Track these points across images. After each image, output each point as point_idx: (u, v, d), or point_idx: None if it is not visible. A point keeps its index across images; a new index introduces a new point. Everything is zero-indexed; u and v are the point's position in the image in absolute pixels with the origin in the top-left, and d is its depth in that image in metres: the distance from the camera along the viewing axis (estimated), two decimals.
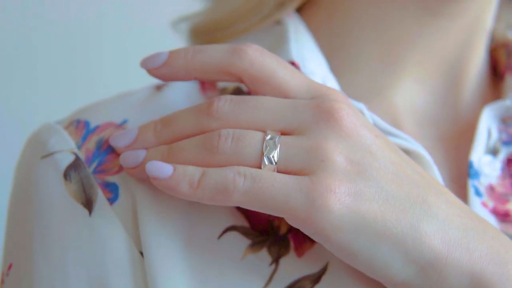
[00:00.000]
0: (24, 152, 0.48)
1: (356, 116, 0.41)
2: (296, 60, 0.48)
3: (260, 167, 0.40)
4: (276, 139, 0.40)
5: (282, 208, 0.39)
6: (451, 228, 0.39)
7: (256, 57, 0.42)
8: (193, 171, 0.40)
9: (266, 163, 0.40)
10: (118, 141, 0.44)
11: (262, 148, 0.40)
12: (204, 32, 0.57)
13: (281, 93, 0.42)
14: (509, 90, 0.54)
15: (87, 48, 1.07)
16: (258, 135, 0.40)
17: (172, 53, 0.44)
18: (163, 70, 0.44)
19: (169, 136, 0.43)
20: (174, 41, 0.60)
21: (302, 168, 0.39)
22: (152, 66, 0.44)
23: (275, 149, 0.40)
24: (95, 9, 1.06)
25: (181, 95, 0.48)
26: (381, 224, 0.38)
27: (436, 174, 0.46)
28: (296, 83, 0.43)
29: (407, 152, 0.47)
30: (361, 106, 0.47)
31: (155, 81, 0.51)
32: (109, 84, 1.01)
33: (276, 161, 0.40)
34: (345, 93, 0.49)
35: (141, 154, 0.43)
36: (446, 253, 0.39)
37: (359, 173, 0.39)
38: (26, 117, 1.00)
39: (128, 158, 0.43)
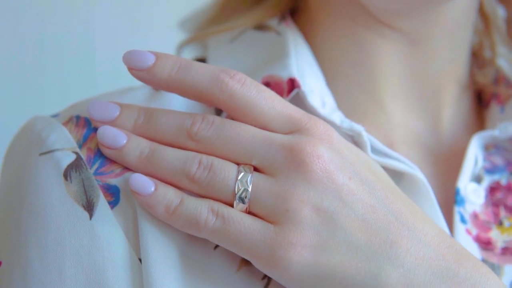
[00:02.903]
0: (18, 145, 0.47)
1: (330, 158, 0.41)
2: (297, 76, 0.48)
3: (232, 204, 0.41)
4: (248, 179, 0.41)
5: (245, 253, 0.41)
6: (417, 274, 0.40)
7: (236, 89, 0.43)
8: (172, 197, 0.41)
9: (238, 202, 0.41)
10: (96, 111, 0.44)
11: (235, 187, 0.41)
12: (201, 26, 0.57)
13: (259, 125, 0.43)
14: (494, 119, 0.55)
15: (79, 46, 1.05)
16: (233, 171, 0.42)
17: (158, 61, 0.44)
18: (144, 75, 0.44)
19: (147, 133, 0.44)
20: (170, 39, 0.60)
21: (269, 213, 0.41)
22: (135, 67, 0.44)
23: (247, 190, 0.41)
24: (87, 7, 1.05)
25: (179, 97, 0.48)
26: (340, 275, 0.40)
27: (431, 196, 0.47)
28: (275, 116, 0.43)
29: (402, 175, 0.47)
30: (360, 128, 0.47)
31: None
32: (101, 80, 1.00)
33: (247, 201, 0.41)
34: (342, 111, 0.49)
35: (121, 139, 0.43)
36: None
37: (325, 221, 0.40)
38: (16, 116, 0.99)
39: (107, 136, 0.43)
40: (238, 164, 0.42)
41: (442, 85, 0.53)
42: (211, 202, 0.41)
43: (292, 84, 0.48)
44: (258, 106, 0.43)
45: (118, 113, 0.44)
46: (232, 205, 0.41)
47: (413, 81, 0.52)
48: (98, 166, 0.44)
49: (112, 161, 0.44)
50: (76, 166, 0.43)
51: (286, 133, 0.43)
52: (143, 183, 0.42)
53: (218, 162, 0.42)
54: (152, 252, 0.42)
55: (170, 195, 0.41)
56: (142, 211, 0.42)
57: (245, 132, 0.42)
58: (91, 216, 0.42)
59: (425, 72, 0.52)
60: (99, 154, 0.44)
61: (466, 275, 0.41)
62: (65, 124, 0.45)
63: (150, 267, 0.41)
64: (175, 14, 0.69)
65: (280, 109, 0.43)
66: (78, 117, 0.45)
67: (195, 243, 0.43)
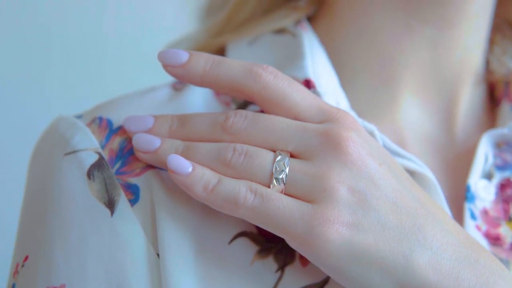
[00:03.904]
0: (42, 146, 0.49)
1: (362, 144, 0.43)
2: (312, 78, 0.50)
3: (268, 186, 0.42)
4: (286, 161, 0.42)
5: (282, 230, 0.42)
6: (443, 257, 0.42)
7: (270, 80, 0.44)
8: (210, 176, 0.42)
9: (275, 183, 0.42)
10: (132, 125, 0.46)
11: (272, 169, 0.42)
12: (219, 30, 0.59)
13: (292, 116, 0.45)
14: (505, 117, 0.57)
15: (88, 46, 1.07)
16: (270, 155, 0.43)
17: (192, 57, 0.45)
18: (179, 71, 0.45)
19: (183, 136, 0.45)
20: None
21: (306, 193, 0.42)
22: (170, 63, 0.46)
23: (284, 171, 0.42)
24: (96, 7, 1.07)
25: (198, 98, 0.50)
26: (374, 254, 0.41)
27: (440, 196, 0.49)
28: (306, 106, 0.45)
29: (412, 173, 0.49)
30: (373, 127, 0.49)
31: (161, 77, 0.52)
32: (110, 82, 1.02)
33: (284, 182, 0.42)
34: (355, 111, 0.51)
35: (156, 142, 0.45)
36: (436, 282, 0.41)
37: (360, 202, 0.42)
38: (28, 116, 1.01)
39: (142, 141, 0.45)
40: (273, 151, 0.44)
41: (459, 78, 0.55)
42: (249, 182, 0.42)
43: (308, 84, 0.49)
44: (291, 96, 0.45)
45: (152, 123, 0.46)
46: (268, 187, 0.42)
47: (434, 74, 0.54)
48: (119, 166, 0.46)
49: (132, 161, 0.46)
50: (98, 166, 0.46)
51: (318, 123, 0.45)
52: (181, 162, 0.43)
53: (253, 148, 0.43)
54: (169, 247, 0.44)
55: (208, 175, 0.43)
56: (160, 208, 0.45)
57: (279, 122, 0.44)
58: (112, 213, 0.44)
59: (447, 61, 0.54)
60: (121, 154, 0.46)
61: (485, 263, 0.43)
62: (89, 125, 0.47)
63: (167, 261, 0.43)
64: (186, 15, 0.71)
65: (311, 100, 0.45)
66: (101, 119, 0.48)
67: (210, 238, 0.45)
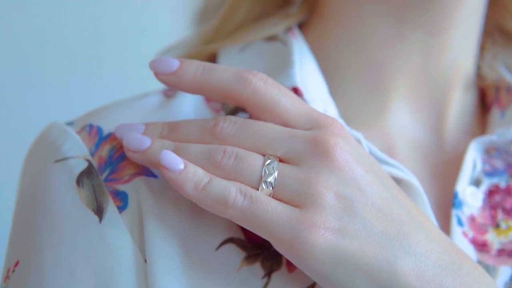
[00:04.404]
0: (34, 152, 0.50)
1: (349, 151, 0.44)
2: (300, 86, 0.50)
3: (257, 189, 0.43)
4: (275, 165, 0.43)
5: (270, 233, 0.42)
6: (427, 264, 0.42)
7: (260, 86, 0.45)
8: (201, 175, 0.43)
9: (264, 187, 0.43)
10: (123, 132, 0.46)
11: (262, 172, 0.43)
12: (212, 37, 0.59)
13: (281, 122, 0.45)
14: (495, 123, 0.57)
15: (85, 49, 1.07)
16: (259, 159, 0.43)
17: (183, 65, 0.46)
18: (171, 78, 0.46)
19: (173, 140, 0.45)
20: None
21: (294, 198, 0.42)
22: (161, 71, 0.46)
23: (273, 175, 0.43)
24: (93, 10, 1.07)
25: (189, 104, 0.51)
26: (359, 260, 0.42)
27: (426, 204, 0.49)
28: (295, 113, 0.45)
29: (399, 181, 0.50)
30: (359, 135, 0.49)
31: (155, 82, 0.53)
32: (107, 85, 1.03)
33: (273, 186, 0.43)
34: (343, 119, 0.52)
35: (146, 141, 0.45)
36: None
37: (346, 208, 0.42)
38: (24, 119, 1.02)
39: (133, 141, 0.45)
40: (263, 155, 0.44)
41: (450, 83, 0.55)
42: (239, 183, 0.43)
43: (296, 92, 0.50)
44: (280, 103, 0.45)
45: (143, 130, 0.46)
46: (257, 190, 0.43)
47: (425, 80, 0.54)
48: (108, 173, 0.46)
49: (121, 168, 0.47)
50: (88, 173, 0.46)
51: (306, 129, 0.45)
52: (173, 159, 0.43)
53: (243, 151, 0.44)
54: (156, 253, 0.44)
55: (199, 173, 0.43)
56: (147, 215, 0.45)
57: (268, 128, 0.45)
58: (100, 220, 0.45)
59: (438, 67, 0.54)
60: (110, 161, 0.47)
61: (468, 270, 0.43)
62: (79, 132, 0.48)
63: (154, 267, 0.44)
64: (182, 20, 0.71)
65: (300, 107, 0.46)
66: (91, 126, 0.48)
67: (198, 245, 0.45)
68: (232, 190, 0.42)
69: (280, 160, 0.44)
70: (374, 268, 0.42)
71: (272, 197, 0.43)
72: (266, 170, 0.43)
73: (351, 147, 0.44)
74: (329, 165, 0.43)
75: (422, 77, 0.54)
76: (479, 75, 0.59)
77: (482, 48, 0.60)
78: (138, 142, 0.45)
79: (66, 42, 1.07)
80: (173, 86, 0.46)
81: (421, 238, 0.43)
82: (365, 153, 0.46)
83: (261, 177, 0.43)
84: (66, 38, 1.07)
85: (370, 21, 0.53)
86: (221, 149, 0.44)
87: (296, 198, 0.42)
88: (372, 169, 0.45)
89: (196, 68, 0.46)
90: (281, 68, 0.52)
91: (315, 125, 0.45)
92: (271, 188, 0.43)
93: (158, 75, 0.46)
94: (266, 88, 0.45)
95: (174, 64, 0.46)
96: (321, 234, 0.41)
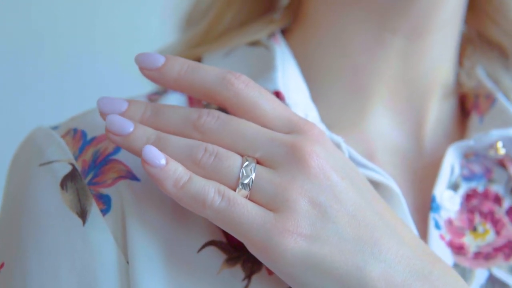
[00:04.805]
0: (20, 155, 0.51)
1: (326, 157, 0.45)
2: (282, 90, 0.51)
3: (234, 190, 0.44)
4: (253, 167, 0.44)
5: (243, 235, 0.43)
6: (397, 270, 0.43)
7: (241, 88, 0.46)
8: (181, 173, 0.44)
9: (241, 188, 0.44)
10: (106, 106, 0.46)
11: (240, 174, 0.44)
12: (197, 42, 0.60)
13: (261, 124, 0.46)
14: (474, 129, 0.58)
15: (79, 50, 1.07)
16: (238, 160, 0.44)
17: (168, 61, 0.47)
18: (155, 74, 0.47)
19: (154, 125, 0.46)
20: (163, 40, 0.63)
21: (269, 202, 0.43)
22: (146, 66, 0.47)
23: (251, 177, 0.44)
24: (87, 10, 1.08)
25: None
26: (329, 264, 0.43)
27: (404, 207, 0.50)
28: (276, 116, 0.46)
29: (377, 184, 0.51)
30: (339, 139, 0.50)
31: (148, 86, 0.54)
32: (100, 86, 1.03)
33: (250, 188, 0.44)
34: (324, 124, 0.53)
35: (129, 126, 0.45)
36: None
37: (319, 214, 0.43)
38: (17, 120, 1.02)
39: (116, 123, 0.45)
40: (242, 155, 0.45)
41: (429, 88, 0.56)
42: (217, 184, 0.44)
43: (278, 96, 0.51)
44: (261, 105, 0.46)
45: (126, 107, 0.46)
46: (234, 190, 0.44)
47: (404, 84, 0.55)
48: (92, 176, 0.47)
49: (104, 172, 0.48)
50: (71, 176, 0.47)
51: (285, 133, 0.46)
52: (155, 154, 0.43)
53: (223, 151, 0.44)
54: (138, 255, 0.45)
55: (180, 171, 0.44)
56: (130, 218, 0.46)
57: (250, 127, 0.45)
58: (84, 222, 0.46)
59: (417, 71, 0.55)
60: (93, 165, 0.48)
61: (439, 275, 0.44)
62: (63, 136, 0.49)
63: (136, 269, 0.45)
64: (170, 26, 0.71)
65: (280, 111, 0.47)
66: (75, 130, 0.49)
67: (179, 247, 0.46)
68: (210, 190, 0.43)
69: (258, 162, 0.45)
70: (344, 273, 0.43)
71: (249, 198, 0.44)
72: (244, 171, 0.44)
73: (328, 154, 0.45)
74: (305, 171, 0.44)
75: (402, 82, 0.55)
76: (458, 82, 0.60)
77: (462, 56, 0.61)
78: (121, 125, 0.45)
79: (60, 44, 1.07)
80: (156, 81, 0.47)
81: (392, 244, 0.44)
82: (342, 159, 0.47)
83: (239, 178, 0.44)
84: (61, 40, 1.07)
85: (350, 27, 0.54)
86: (202, 147, 0.44)
87: (271, 202, 0.43)
88: (348, 176, 0.45)
89: (181, 66, 0.47)
90: (263, 72, 0.53)
91: (294, 129, 0.46)
92: (248, 190, 0.44)
93: (142, 69, 0.47)
94: (248, 91, 0.46)
95: (159, 60, 0.47)
96: (293, 239, 0.42)
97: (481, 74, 0.60)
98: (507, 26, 0.59)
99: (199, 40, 0.59)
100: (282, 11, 0.60)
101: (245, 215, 0.43)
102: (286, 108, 0.47)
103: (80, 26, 1.08)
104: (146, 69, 0.47)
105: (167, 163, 0.43)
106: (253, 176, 0.44)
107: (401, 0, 0.53)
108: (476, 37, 0.62)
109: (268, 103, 0.46)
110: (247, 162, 0.44)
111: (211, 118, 0.45)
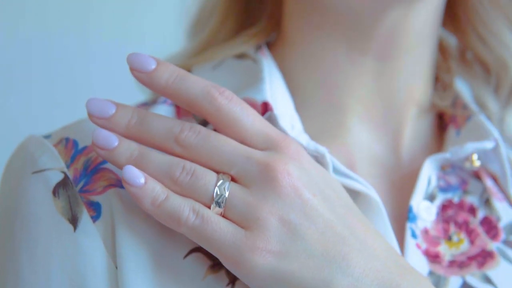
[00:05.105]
0: (13, 163, 0.53)
1: (298, 176, 0.47)
2: (270, 101, 0.53)
3: (209, 206, 0.46)
4: (226, 186, 0.46)
5: (216, 251, 0.46)
6: (364, 283, 0.45)
7: (224, 104, 0.48)
8: (159, 192, 0.46)
9: (215, 206, 0.46)
10: (94, 108, 0.48)
11: (214, 192, 0.46)
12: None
13: (240, 139, 0.48)
14: (451, 141, 0.60)
15: (72, 58, 1.08)
16: (213, 178, 0.47)
17: (158, 67, 0.48)
18: (144, 77, 0.48)
19: (138, 134, 0.48)
20: (162, 49, 0.65)
21: (241, 219, 0.46)
22: (136, 68, 0.48)
23: (224, 196, 0.46)
24: (81, 17, 1.08)
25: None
26: (297, 280, 0.45)
27: (384, 215, 0.53)
28: (254, 132, 0.48)
29: (359, 194, 0.53)
30: (324, 150, 0.52)
31: (140, 95, 0.55)
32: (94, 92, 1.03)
33: (223, 206, 0.46)
34: (308, 134, 0.55)
35: (113, 141, 0.47)
36: None
37: (289, 232, 0.46)
38: (11, 126, 1.03)
39: (101, 138, 0.47)
40: (217, 172, 0.47)
41: (404, 104, 0.59)
42: (193, 202, 0.46)
43: (266, 107, 0.53)
44: (241, 121, 0.48)
45: (114, 111, 0.48)
46: (209, 208, 0.46)
47: (380, 100, 0.58)
48: (83, 184, 0.49)
49: (95, 180, 0.49)
50: (63, 184, 0.49)
51: (262, 149, 0.48)
52: (134, 174, 0.46)
53: (200, 169, 0.47)
54: (126, 261, 0.47)
55: (158, 190, 0.46)
56: (119, 224, 0.48)
57: (227, 144, 0.48)
58: (75, 228, 0.48)
59: (390, 90, 0.58)
60: (84, 173, 0.50)
61: (408, 286, 0.46)
62: (56, 145, 0.51)
63: (124, 273, 0.47)
64: (167, 25, 0.73)
65: (259, 127, 0.49)
66: (67, 139, 0.51)
67: (166, 253, 0.48)
68: (185, 209, 0.46)
69: (233, 179, 0.47)
70: (311, 287, 0.45)
71: (223, 215, 0.46)
72: (218, 190, 0.46)
73: (302, 171, 0.47)
74: (276, 191, 0.46)
75: (376, 99, 0.58)
76: (433, 103, 0.62)
77: (443, 69, 0.63)
78: (106, 140, 0.47)
79: (53, 48, 1.08)
80: (144, 84, 0.49)
81: (361, 258, 0.46)
82: (318, 175, 0.49)
83: (213, 197, 0.46)
84: (53, 44, 1.08)
85: (322, 45, 0.57)
86: (180, 165, 0.47)
87: (244, 220, 0.46)
88: (321, 192, 0.48)
89: (170, 74, 0.48)
90: (252, 83, 0.55)
91: (271, 146, 0.48)
92: (222, 208, 0.46)
93: (132, 70, 0.48)
94: (230, 106, 0.48)
95: (151, 63, 0.48)
96: (263, 256, 0.45)
97: (465, 92, 0.63)
98: (492, 41, 0.61)
99: (202, 48, 0.62)
100: (265, 21, 0.62)
101: (217, 232, 0.45)
102: (266, 124, 0.49)
103: (74, 27, 1.09)
104: (136, 71, 0.48)
105: (145, 182, 0.46)
106: (226, 194, 0.46)
107: (362, 26, 0.55)
108: (462, 53, 0.64)
109: (248, 119, 0.48)
110: (221, 181, 0.47)
111: (192, 133, 0.48)
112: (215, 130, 0.49)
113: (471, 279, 0.54)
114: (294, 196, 0.46)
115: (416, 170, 0.58)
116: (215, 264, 0.48)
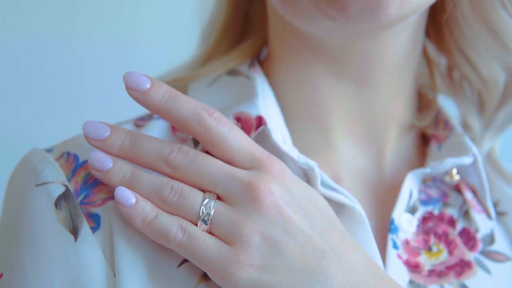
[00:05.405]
0: (17, 176, 0.55)
1: (280, 195, 0.50)
2: (264, 115, 0.56)
3: (196, 224, 0.50)
4: (212, 205, 0.50)
5: (203, 265, 0.49)
6: None
7: (212, 125, 0.51)
8: (149, 211, 0.50)
9: (201, 223, 0.50)
10: (90, 131, 0.52)
11: (200, 211, 0.50)
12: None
13: (226, 158, 0.52)
14: (432, 156, 0.63)
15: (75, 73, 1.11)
16: (199, 197, 0.50)
17: (152, 88, 0.51)
18: (138, 96, 0.52)
19: (131, 155, 0.52)
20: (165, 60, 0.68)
21: (226, 236, 0.49)
22: (132, 87, 0.51)
23: (210, 214, 0.50)
24: (83, 28, 1.10)
25: (156, 135, 0.57)
26: None
27: (367, 227, 0.56)
28: (240, 152, 0.52)
29: (344, 206, 0.56)
30: (314, 164, 0.55)
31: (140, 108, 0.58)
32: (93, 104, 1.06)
33: (209, 223, 0.50)
34: (297, 148, 0.58)
35: (108, 163, 0.51)
36: None
37: (270, 247, 0.49)
38: (14, 136, 1.06)
39: (96, 160, 0.51)
40: (204, 191, 0.51)
41: (386, 124, 0.62)
42: (181, 219, 0.50)
43: (260, 121, 0.56)
44: (228, 141, 0.51)
45: (108, 133, 0.52)
46: (196, 225, 0.50)
47: (361, 120, 0.61)
48: (83, 197, 0.52)
49: (95, 193, 0.52)
50: (65, 197, 0.52)
51: (247, 168, 0.51)
52: (126, 195, 0.50)
53: (187, 188, 0.50)
54: (124, 269, 0.50)
55: (148, 209, 0.50)
56: (117, 235, 0.51)
57: (214, 164, 0.51)
58: (76, 238, 0.51)
59: (371, 111, 0.61)
60: (84, 187, 0.53)
61: None
62: (57, 159, 0.54)
63: (122, 281, 0.50)
64: (161, 34, 0.74)
65: (245, 147, 0.52)
66: (68, 154, 0.54)
67: (162, 262, 0.51)
68: (173, 227, 0.49)
69: (219, 197, 0.50)
70: None
71: (209, 231, 0.50)
72: (204, 209, 0.50)
73: (283, 190, 0.51)
74: (258, 208, 0.49)
75: (357, 119, 0.61)
76: (413, 119, 0.65)
77: (424, 88, 0.66)
78: (101, 162, 0.51)
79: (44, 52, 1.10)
80: (138, 102, 0.52)
81: (339, 271, 0.49)
82: (300, 192, 0.52)
83: (199, 215, 0.50)
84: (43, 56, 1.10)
85: (302, 69, 0.60)
86: (169, 186, 0.50)
87: (228, 236, 0.49)
88: (302, 209, 0.51)
89: (163, 95, 0.51)
90: (246, 98, 0.58)
91: (256, 165, 0.51)
92: (207, 225, 0.50)
93: (128, 89, 0.52)
94: (218, 127, 0.51)
95: (145, 83, 0.51)
96: (246, 270, 0.48)
97: (449, 111, 0.66)
98: (477, 62, 0.63)
99: (205, 58, 0.65)
100: (254, 37, 0.65)
101: (203, 248, 0.49)
102: (252, 144, 0.52)
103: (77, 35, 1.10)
104: (132, 89, 0.52)
105: (136, 202, 0.50)
106: (212, 212, 0.50)
107: (334, 54, 0.58)
108: (449, 72, 0.67)
109: (235, 139, 0.52)
110: (207, 200, 0.50)
111: (181, 154, 0.51)
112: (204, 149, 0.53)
113: None
114: (275, 213, 0.49)
115: (398, 184, 0.61)
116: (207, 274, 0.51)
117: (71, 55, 1.11)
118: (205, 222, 0.50)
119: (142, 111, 0.57)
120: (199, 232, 0.49)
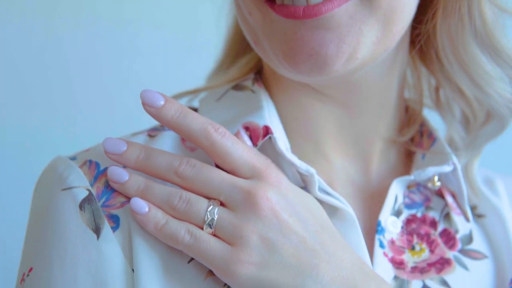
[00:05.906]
0: (43, 181, 0.61)
1: (276, 201, 0.56)
2: (270, 125, 0.62)
3: (202, 228, 0.56)
4: (216, 211, 0.56)
5: (209, 264, 0.56)
6: None
7: (217, 139, 0.58)
8: (160, 218, 0.56)
9: (206, 227, 0.56)
10: (109, 146, 0.58)
11: (205, 216, 0.56)
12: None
13: (229, 169, 0.58)
14: (417, 164, 0.69)
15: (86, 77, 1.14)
16: (204, 204, 0.57)
17: (166, 104, 0.58)
18: (153, 111, 0.58)
19: (145, 168, 0.58)
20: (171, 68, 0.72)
21: (228, 238, 0.56)
22: (147, 103, 0.58)
23: (214, 219, 0.56)
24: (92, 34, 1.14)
25: (168, 144, 0.63)
26: (275, 286, 0.55)
27: (358, 228, 0.61)
28: (242, 163, 0.58)
29: (337, 209, 0.62)
30: (312, 170, 0.61)
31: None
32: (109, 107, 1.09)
33: (213, 227, 0.56)
34: (296, 156, 0.63)
35: (124, 176, 0.58)
36: None
37: (267, 247, 0.55)
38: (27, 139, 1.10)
39: (114, 174, 0.58)
40: (209, 198, 0.57)
41: (371, 139, 0.68)
42: (188, 224, 0.56)
43: (267, 130, 0.62)
44: (231, 154, 0.58)
45: (125, 148, 0.58)
46: (202, 229, 0.56)
47: (348, 135, 0.66)
48: (104, 200, 0.58)
49: (114, 196, 0.58)
50: (88, 200, 0.58)
51: (248, 177, 0.58)
52: (140, 205, 0.57)
53: (194, 197, 0.57)
54: (141, 265, 0.56)
55: (159, 216, 0.56)
56: (135, 234, 0.57)
57: (217, 174, 0.57)
58: (98, 237, 0.57)
59: (355, 129, 0.66)
60: (105, 191, 0.59)
61: None
62: (81, 167, 0.60)
63: (140, 276, 0.56)
64: (163, 41, 0.78)
65: (246, 159, 0.58)
66: (90, 161, 0.60)
67: (174, 258, 0.57)
68: (182, 231, 0.56)
69: (222, 204, 0.57)
70: None
71: (214, 234, 0.56)
72: (209, 214, 0.56)
73: (279, 197, 0.57)
74: (257, 213, 0.56)
75: (345, 134, 0.66)
76: (394, 135, 0.70)
77: (410, 103, 0.72)
78: (118, 176, 0.58)
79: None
80: (153, 117, 0.59)
81: (329, 268, 0.55)
82: (294, 198, 0.58)
83: (204, 220, 0.56)
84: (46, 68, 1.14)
85: (290, 90, 0.66)
86: (178, 195, 0.57)
87: (230, 238, 0.56)
88: (296, 213, 0.57)
89: (175, 111, 0.58)
90: (253, 110, 0.64)
91: (255, 174, 0.58)
92: (212, 228, 0.56)
93: (144, 104, 0.58)
94: (222, 141, 0.58)
95: (159, 100, 0.58)
96: (245, 267, 0.55)
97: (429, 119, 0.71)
98: (462, 84, 0.66)
99: (218, 69, 0.73)
100: (253, 52, 0.71)
101: (208, 249, 0.55)
102: (253, 156, 0.58)
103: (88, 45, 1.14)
104: (147, 105, 0.58)
105: (149, 210, 0.57)
106: (215, 217, 0.56)
107: (315, 85, 0.64)
108: (437, 91, 0.72)
109: (237, 152, 0.58)
110: (211, 206, 0.56)
111: (188, 166, 0.58)
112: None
113: (430, 283, 0.63)
114: (272, 217, 0.56)
115: (385, 190, 0.67)
116: None
117: (76, 57, 1.16)
118: (210, 226, 0.56)
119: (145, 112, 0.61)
120: (204, 235, 0.56)
